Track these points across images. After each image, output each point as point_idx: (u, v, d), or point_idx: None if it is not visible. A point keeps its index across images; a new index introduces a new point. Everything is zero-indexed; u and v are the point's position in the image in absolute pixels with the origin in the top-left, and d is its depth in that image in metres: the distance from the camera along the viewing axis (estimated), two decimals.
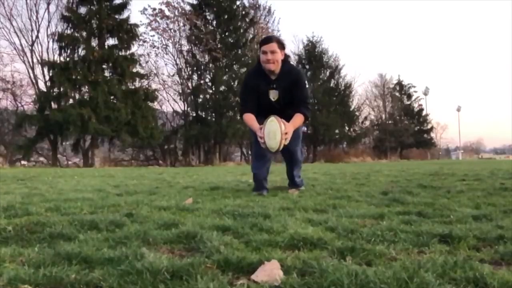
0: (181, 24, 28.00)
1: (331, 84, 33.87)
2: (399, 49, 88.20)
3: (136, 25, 24.93)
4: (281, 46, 3.63)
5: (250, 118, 3.64)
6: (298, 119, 3.63)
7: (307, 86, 3.80)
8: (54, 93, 23.31)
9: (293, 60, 33.94)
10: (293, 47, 38.41)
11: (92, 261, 1.36)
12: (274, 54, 3.57)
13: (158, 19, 27.53)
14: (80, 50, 23.48)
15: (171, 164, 26.28)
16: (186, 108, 28.53)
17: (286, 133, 3.38)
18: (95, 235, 1.77)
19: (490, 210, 2.41)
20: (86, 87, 23.12)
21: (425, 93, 43.69)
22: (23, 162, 24.30)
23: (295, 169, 4.02)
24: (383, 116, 42.00)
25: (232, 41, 27.41)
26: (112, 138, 24.53)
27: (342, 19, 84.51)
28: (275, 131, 3.36)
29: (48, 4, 25.30)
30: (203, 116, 27.54)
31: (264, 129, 3.39)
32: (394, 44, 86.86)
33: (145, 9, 27.95)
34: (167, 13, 27.70)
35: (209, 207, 2.61)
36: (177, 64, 28.61)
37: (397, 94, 42.71)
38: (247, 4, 28.95)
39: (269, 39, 3.67)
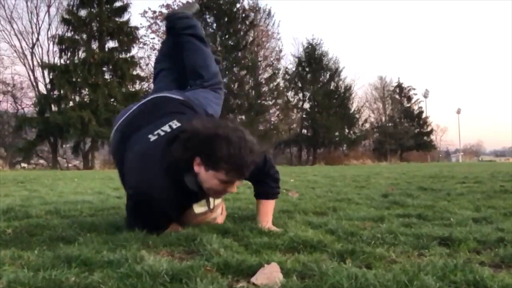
0: None
1: (331, 87, 33.86)
2: (399, 51, 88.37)
3: (136, 28, 24.99)
4: None
5: None
6: (269, 207, 2.11)
7: (271, 160, 2.10)
8: (54, 96, 23.35)
9: (292, 62, 34.05)
10: (293, 50, 38.45)
11: (92, 264, 1.36)
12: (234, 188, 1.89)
13: (158, 21, 27.62)
14: (80, 52, 23.54)
15: None
16: None
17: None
18: (94, 237, 1.77)
19: (490, 213, 2.41)
20: (86, 89, 23.15)
21: (425, 96, 43.73)
22: (23, 164, 24.32)
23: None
24: (383, 118, 42.02)
25: (232, 43, 27.45)
26: None
27: (342, 22, 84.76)
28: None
29: (49, 7, 25.42)
30: None
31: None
32: (394, 46, 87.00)
33: (145, 11, 28.03)
34: None
35: None
36: None
37: (397, 96, 42.72)
38: (247, 7, 29.02)
39: (244, 171, 1.78)
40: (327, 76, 34.10)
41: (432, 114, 79.81)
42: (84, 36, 23.57)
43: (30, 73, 25.29)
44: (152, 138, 1.87)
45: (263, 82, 29.18)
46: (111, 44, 24.58)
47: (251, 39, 28.67)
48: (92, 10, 23.51)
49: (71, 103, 23.03)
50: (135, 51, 26.00)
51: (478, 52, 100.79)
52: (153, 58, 28.60)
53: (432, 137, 44.21)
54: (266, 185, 2.08)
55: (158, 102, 2.14)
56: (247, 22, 28.56)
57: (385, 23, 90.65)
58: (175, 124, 1.93)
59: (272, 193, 2.11)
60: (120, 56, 24.17)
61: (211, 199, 1.97)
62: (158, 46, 27.92)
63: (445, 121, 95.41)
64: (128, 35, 24.33)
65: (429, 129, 43.23)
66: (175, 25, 2.62)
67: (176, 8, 3.22)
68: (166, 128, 1.92)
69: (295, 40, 53.56)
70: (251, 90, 28.07)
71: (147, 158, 1.82)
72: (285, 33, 53.92)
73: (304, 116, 33.56)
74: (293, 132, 32.95)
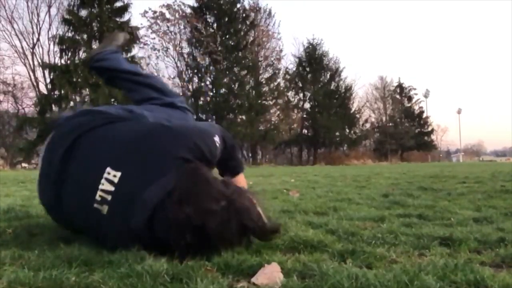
0: (182, 27, 28.13)
1: (332, 87, 33.87)
2: (400, 51, 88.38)
3: (137, 28, 25.02)
4: None
5: None
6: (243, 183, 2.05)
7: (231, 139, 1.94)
8: (55, 96, 23.37)
9: (293, 62, 34.10)
10: (294, 50, 38.46)
11: (92, 264, 1.36)
12: None
13: (159, 21, 27.68)
14: (81, 52, 23.57)
15: None
16: None
17: None
18: None
19: (491, 213, 2.41)
20: (87, 89, 23.18)
21: (426, 96, 43.71)
22: (23, 164, 24.33)
23: None
24: (384, 118, 42.02)
25: (232, 43, 27.46)
26: None
27: (342, 22, 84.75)
28: None
29: (49, 7, 25.49)
30: (204, 118, 27.59)
31: None
32: (395, 46, 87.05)
33: (146, 12, 28.03)
34: (167, 16, 27.86)
35: None
36: (177, 67, 28.73)
37: (398, 96, 42.72)
38: (247, 7, 29.03)
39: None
40: (328, 76, 34.12)
41: (432, 114, 79.97)
42: (85, 36, 23.59)
43: (31, 73, 25.37)
44: (103, 210, 1.52)
45: (264, 82, 29.20)
46: None
47: (251, 39, 28.70)
48: (92, 10, 23.53)
49: (71, 103, 23.06)
50: (135, 51, 26.02)
51: (478, 52, 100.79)
52: (153, 58, 28.68)
53: (433, 137, 44.25)
54: (234, 161, 1.99)
55: (52, 140, 1.78)
56: (248, 22, 28.58)
57: (385, 23, 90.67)
58: (112, 175, 1.53)
59: (240, 166, 2.05)
60: None
61: None
62: (158, 46, 28.00)
63: (445, 121, 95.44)
64: (129, 35, 24.37)
65: (429, 129, 43.24)
66: (95, 73, 2.35)
67: (99, 46, 2.68)
68: (106, 186, 1.53)
69: (296, 40, 53.79)
70: (252, 90, 28.10)
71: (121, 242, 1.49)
72: (286, 33, 54.17)
73: (304, 116, 33.57)
74: (293, 132, 32.98)
